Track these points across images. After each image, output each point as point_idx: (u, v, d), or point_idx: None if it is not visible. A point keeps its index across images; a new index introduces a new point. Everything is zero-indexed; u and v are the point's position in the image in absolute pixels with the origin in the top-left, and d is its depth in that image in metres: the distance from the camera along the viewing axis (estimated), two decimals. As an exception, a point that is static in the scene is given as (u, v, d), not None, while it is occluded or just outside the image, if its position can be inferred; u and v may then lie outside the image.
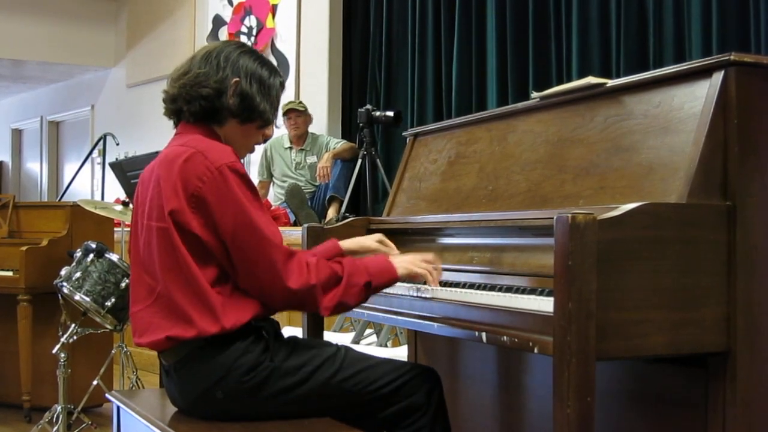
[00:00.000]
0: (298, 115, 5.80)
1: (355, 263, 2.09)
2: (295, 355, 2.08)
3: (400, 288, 2.24)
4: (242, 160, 2.19)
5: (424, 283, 2.17)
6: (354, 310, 2.40)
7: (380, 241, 2.37)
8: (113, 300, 3.62)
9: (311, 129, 5.95)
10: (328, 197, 5.63)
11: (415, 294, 2.17)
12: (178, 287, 1.99)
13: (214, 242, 1.99)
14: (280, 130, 5.97)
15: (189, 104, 2.12)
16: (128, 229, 3.00)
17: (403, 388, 2.09)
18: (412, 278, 2.17)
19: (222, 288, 2.00)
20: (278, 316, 2.17)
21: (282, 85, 2.23)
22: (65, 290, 3.66)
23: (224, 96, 2.11)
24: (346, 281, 2.04)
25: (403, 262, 2.16)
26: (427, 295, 2.12)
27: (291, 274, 1.99)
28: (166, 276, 2.01)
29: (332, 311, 2.06)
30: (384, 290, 2.21)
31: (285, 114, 5.78)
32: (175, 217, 1.99)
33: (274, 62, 6.75)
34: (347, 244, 2.35)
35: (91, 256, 3.67)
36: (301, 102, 5.99)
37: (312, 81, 6.42)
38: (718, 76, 1.78)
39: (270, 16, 6.75)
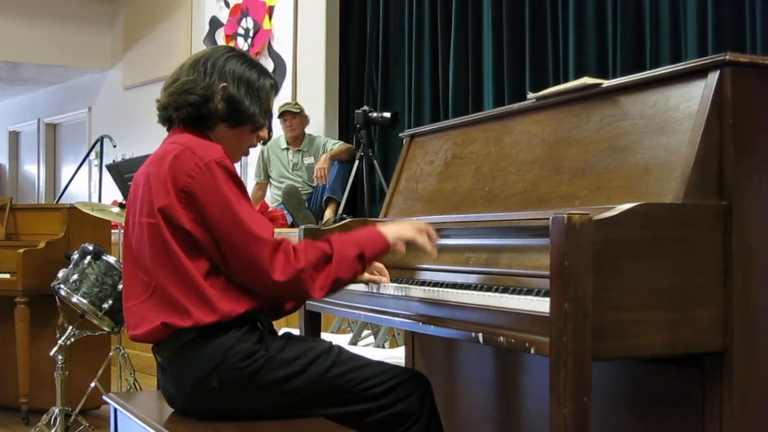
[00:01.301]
0: (293, 116, 5.80)
1: (343, 238, 2.10)
2: (290, 347, 2.08)
3: (397, 289, 2.24)
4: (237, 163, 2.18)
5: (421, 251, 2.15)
6: (350, 311, 2.40)
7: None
8: (110, 302, 3.62)
9: (308, 130, 5.95)
10: (325, 198, 5.63)
11: (412, 294, 2.17)
12: (172, 281, 2.00)
13: (205, 237, 2.01)
14: (278, 131, 5.96)
15: (178, 111, 2.14)
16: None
17: (395, 390, 2.09)
18: (406, 245, 2.15)
19: (214, 281, 2.02)
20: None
21: (273, 87, 2.23)
22: (62, 292, 3.66)
23: (211, 102, 2.12)
24: (337, 256, 2.04)
25: (393, 229, 2.15)
26: (424, 296, 2.12)
27: (277, 267, 1.99)
28: (158, 270, 2.02)
29: (329, 290, 2.05)
30: (381, 283, 2.21)
31: (280, 116, 5.76)
32: (165, 212, 2.01)
33: (271, 64, 6.78)
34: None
35: (89, 258, 3.68)
36: (296, 103, 5.98)
37: (309, 82, 6.42)
38: (713, 76, 1.78)
39: (267, 17, 6.74)
